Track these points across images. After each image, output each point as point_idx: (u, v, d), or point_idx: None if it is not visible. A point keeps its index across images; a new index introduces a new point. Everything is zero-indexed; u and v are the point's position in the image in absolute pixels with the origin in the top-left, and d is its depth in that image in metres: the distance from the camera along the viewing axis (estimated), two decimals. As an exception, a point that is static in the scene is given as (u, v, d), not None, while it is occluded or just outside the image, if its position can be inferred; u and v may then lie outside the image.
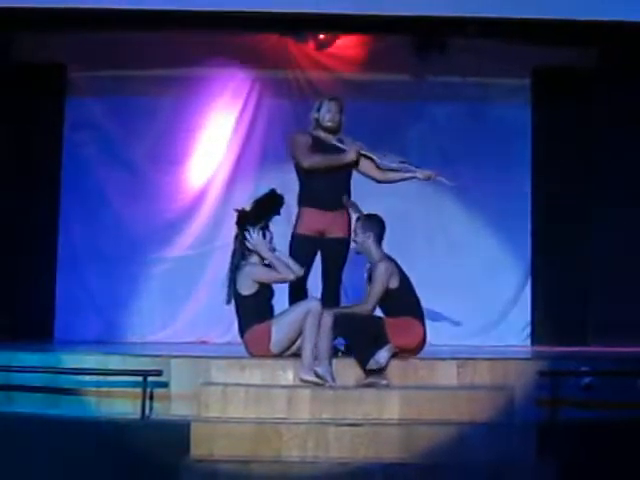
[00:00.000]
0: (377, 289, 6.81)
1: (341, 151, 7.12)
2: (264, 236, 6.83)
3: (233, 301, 6.85)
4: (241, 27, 8.75)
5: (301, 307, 6.65)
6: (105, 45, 9.26)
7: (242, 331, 6.82)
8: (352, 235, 6.98)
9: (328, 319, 6.54)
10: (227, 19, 8.34)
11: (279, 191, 6.98)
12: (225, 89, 9.84)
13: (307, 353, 6.50)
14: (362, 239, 6.88)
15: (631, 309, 9.01)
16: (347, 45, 9.67)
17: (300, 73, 9.83)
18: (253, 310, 6.75)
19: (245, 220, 6.87)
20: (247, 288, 6.76)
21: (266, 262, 6.87)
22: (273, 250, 6.86)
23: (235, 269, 6.82)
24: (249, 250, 6.84)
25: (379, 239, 6.94)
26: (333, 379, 6.43)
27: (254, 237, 6.80)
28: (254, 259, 6.86)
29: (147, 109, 9.70)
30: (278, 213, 6.95)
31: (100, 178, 9.69)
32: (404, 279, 6.86)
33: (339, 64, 9.71)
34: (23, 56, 9.38)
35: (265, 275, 6.80)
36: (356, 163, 7.19)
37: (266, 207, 6.92)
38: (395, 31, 9.02)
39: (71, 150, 9.68)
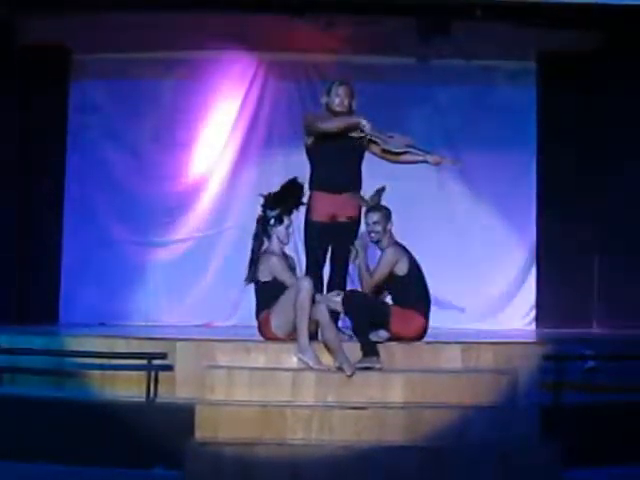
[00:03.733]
0: (380, 273, 6.81)
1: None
2: (281, 221, 6.84)
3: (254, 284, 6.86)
4: (246, 9, 8.72)
5: (292, 288, 6.63)
6: (109, 28, 9.21)
7: (257, 315, 6.84)
8: (373, 227, 6.88)
9: (323, 310, 6.53)
10: (232, 1, 8.32)
11: (300, 180, 6.99)
12: (230, 72, 9.81)
13: (299, 332, 6.49)
14: (383, 230, 6.86)
15: (636, 292, 9.00)
16: (352, 28, 9.63)
17: (305, 56, 9.80)
18: (269, 296, 6.75)
19: (266, 205, 6.90)
20: (266, 275, 6.79)
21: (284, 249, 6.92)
22: (287, 237, 6.87)
23: (257, 253, 6.86)
24: (269, 235, 6.87)
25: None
26: (350, 367, 6.36)
27: (271, 222, 6.83)
28: (274, 244, 6.88)
29: (151, 92, 9.69)
30: (300, 201, 6.96)
31: (104, 161, 9.68)
32: (414, 268, 6.84)
33: (344, 47, 9.66)
34: (27, 39, 9.34)
35: (280, 275, 6.78)
36: (369, 142, 7.13)
37: (285, 194, 6.91)
38: (400, 14, 8.99)
39: (75, 133, 9.66)
